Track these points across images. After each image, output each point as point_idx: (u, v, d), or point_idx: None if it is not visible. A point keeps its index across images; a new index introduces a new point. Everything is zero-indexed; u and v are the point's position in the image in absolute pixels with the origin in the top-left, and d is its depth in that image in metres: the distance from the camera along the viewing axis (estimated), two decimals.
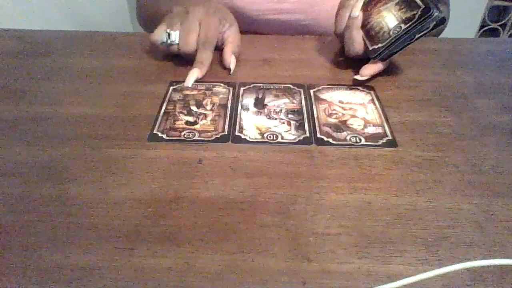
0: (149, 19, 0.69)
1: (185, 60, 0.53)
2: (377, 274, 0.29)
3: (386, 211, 0.33)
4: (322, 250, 0.30)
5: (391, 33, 0.46)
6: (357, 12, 0.48)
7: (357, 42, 0.49)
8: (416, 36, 0.45)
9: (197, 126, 0.42)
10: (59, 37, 0.60)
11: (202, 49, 0.50)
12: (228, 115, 0.44)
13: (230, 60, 0.51)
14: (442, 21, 0.44)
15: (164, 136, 0.41)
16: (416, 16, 0.44)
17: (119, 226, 0.32)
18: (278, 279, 0.28)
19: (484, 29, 1.69)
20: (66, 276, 0.28)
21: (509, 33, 1.71)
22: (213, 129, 0.42)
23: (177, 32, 0.49)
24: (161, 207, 0.33)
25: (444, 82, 0.50)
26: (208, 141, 0.40)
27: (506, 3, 1.64)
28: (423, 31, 0.44)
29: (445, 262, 0.29)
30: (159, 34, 0.50)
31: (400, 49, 0.47)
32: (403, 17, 0.46)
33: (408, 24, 0.45)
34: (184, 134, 0.41)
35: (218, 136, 0.41)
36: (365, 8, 0.49)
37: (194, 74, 0.49)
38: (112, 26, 1.30)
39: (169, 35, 0.49)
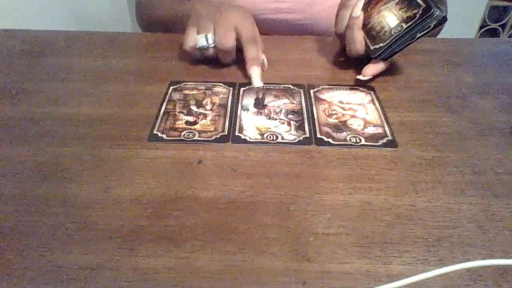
0: (151, 22, 0.69)
1: (185, 60, 0.53)
2: (377, 274, 0.29)
3: (386, 211, 0.33)
4: (322, 250, 0.30)
5: (392, 32, 0.46)
6: (358, 12, 0.48)
7: (358, 41, 0.49)
8: (417, 36, 0.45)
9: (197, 126, 0.42)
10: (59, 37, 0.60)
11: (249, 46, 0.49)
12: (228, 115, 0.44)
13: (262, 57, 0.51)
14: (443, 20, 0.44)
15: (164, 136, 0.41)
16: (417, 15, 0.44)
17: (119, 226, 0.32)
18: (278, 279, 0.28)
19: (484, 29, 1.69)
20: (66, 276, 0.28)
21: (509, 33, 1.71)
22: (213, 129, 0.42)
23: (211, 35, 0.49)
24: (161, 207, 0.33)
25: (444, 82, 0.50)
26: (208, 141, 0.40)
27: (506, 3, 1.64)
28: (424, 30, 0.44)
29: (445, 262, 0.29)
30: (194, 40, 0.49)
31: (402, 49, 0.47)
32: (404, 17, 0.46)
33: (409, 24, 0.45)
34: (184, 134, 0.41)
35: (218, 136, 0.41)
36: (365, 8, 0.49)
37: (257, 71, 0.49)
38: (112, 26, 1.30)
39: (207, 38, 0.49)
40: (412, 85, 0.49)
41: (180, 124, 0.43)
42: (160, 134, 0.41)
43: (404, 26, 0.45)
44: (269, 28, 0.65)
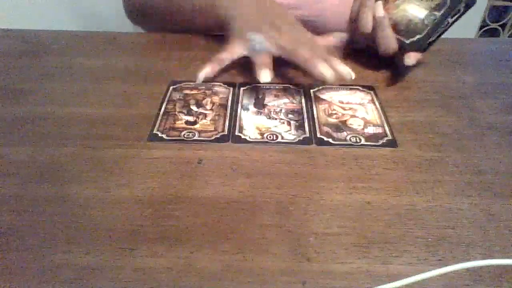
0: (138, 11, 0.68)
1: (185, 60, 0.53)
2: (377, 274, 0.29)
3: (386, 211, 0.33)
4: (322, 250, 0.30)
5: (425, 22, 0.47)
6: (382, 12, 0.48)
7: (392, 39, 0.49)
8: (449, 21, 0.46)
9: (197, 126, 0.42)
10: (59, 37, 0.60)
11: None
12: (228, 115, 0.44)
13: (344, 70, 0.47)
14: (472, 3, 0.45)
15: (164, 136, 0.41)
16: (448, 1, 0.45)
17: (119, 226, 0.32)
18: (278, 279, 0.28)
19: (484, 29, 1.69)
20: (66, 276, 0.28)
21: (509, 33, 1.71)
22: (213, 129, 0.42)
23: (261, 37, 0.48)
24: (161, 207, 0.33)
25: (444, 82, 0.50)
26: (208, 141, 0.40)
27: (506, 3, 1.64)
28: (455, 15, 0.46)
29: (445, 262, 0.29)
30: (246, 43, 0.49)
31: (437, 38, 0.48)
32: (432, 5, 0.46)
33: (443, 10, 0.46)
34: (184, 134, 0.41)
35: (218, 136, 0.41)
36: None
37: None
38: (112, 26, 1.30)
39: (255, 40, 0.48)
40: (412, 85, 0.49)
41: (180, 124, 0.43)
42: (160, 134, 0.41)
43: (437, 14, 0.46)
44: None
